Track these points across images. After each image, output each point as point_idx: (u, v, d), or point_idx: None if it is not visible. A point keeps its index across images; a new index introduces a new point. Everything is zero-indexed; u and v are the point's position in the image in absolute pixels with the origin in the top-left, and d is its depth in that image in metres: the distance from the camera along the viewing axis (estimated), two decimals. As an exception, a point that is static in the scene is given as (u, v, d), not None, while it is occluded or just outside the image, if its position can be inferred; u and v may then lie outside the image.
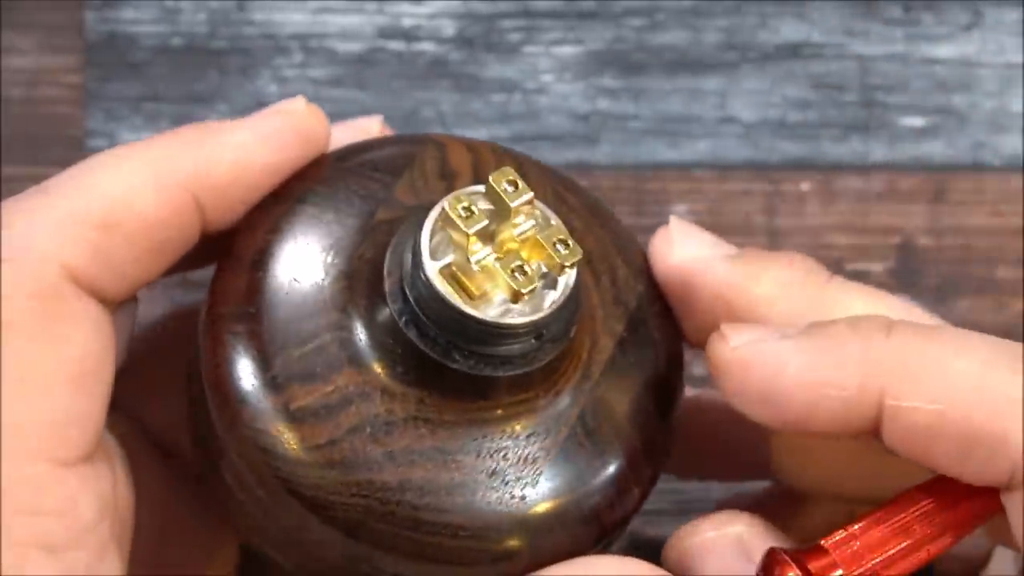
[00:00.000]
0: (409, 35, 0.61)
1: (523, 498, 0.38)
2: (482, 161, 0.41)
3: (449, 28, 0.61)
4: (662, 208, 0.61)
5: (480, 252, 0.37)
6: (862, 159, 0.61)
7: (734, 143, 0.61)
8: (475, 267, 0.37)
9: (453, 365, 0.37)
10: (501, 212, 0.37)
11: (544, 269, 0.38)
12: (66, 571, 0.35)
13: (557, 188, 0.42)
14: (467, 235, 0.37)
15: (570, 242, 0.38)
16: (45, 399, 0.36)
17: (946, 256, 0.61)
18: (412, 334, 0.37)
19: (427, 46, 0.61)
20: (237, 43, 0.61)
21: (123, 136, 0.61)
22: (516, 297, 0.37)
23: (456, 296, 0.37)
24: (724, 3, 0.61)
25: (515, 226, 0.38)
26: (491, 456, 0.38)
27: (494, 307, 0.37)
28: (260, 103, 0.61)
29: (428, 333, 0.37)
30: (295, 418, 0.37)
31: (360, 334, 0.38)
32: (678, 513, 0.60)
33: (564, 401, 0.39)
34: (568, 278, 0.38)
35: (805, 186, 0.61)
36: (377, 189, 0.40)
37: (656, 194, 0.61)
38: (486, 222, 0.37)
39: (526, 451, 0.38)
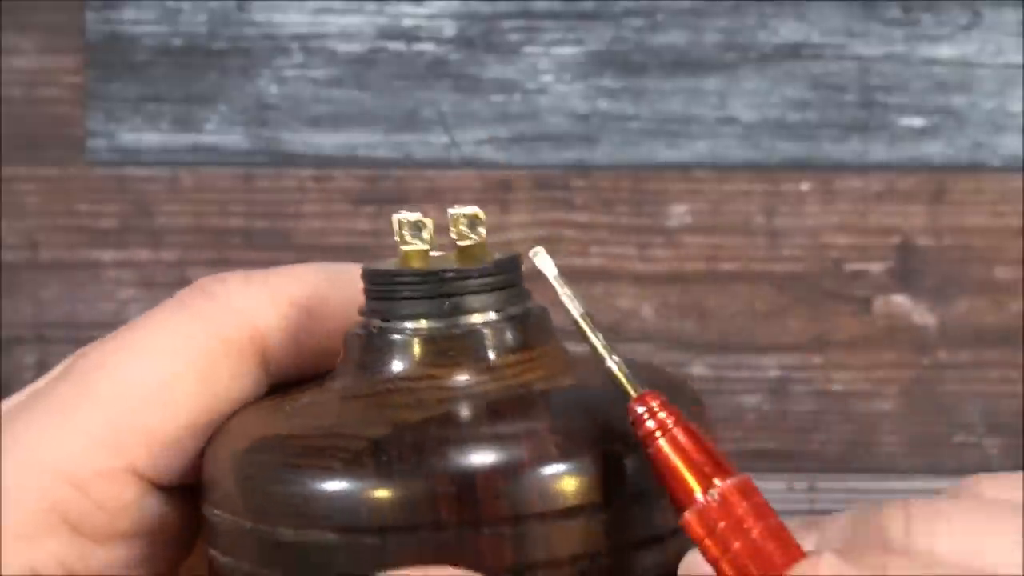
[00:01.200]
0: (409, 35, 0.61)
1: None
2: None
3: (449, 28, 0.61)
4: (662, 208, 0.61)
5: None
6: (862, 159, 0.61)
7: (734, 143, 0.61)
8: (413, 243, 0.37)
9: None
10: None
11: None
12: None
13: None
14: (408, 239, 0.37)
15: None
16: (164, 419, 0.37)
17: (946, 256, 0.61)
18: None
19: (427, 46, 0.61)
20: (237, 43, 0.61)
21: (123, 136, 0.61)
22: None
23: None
24: (724, 3, 0.61)
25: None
26: None
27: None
28: (260, 103, 0.61)
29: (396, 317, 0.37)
30: None
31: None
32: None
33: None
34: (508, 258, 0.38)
35: (805, 186, 0.61)
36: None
37: (656, 194, 0.61)
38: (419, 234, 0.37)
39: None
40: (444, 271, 0.36)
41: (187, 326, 0.38)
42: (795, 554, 0.32)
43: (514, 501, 0.33)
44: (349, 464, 0.34)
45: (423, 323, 0.36)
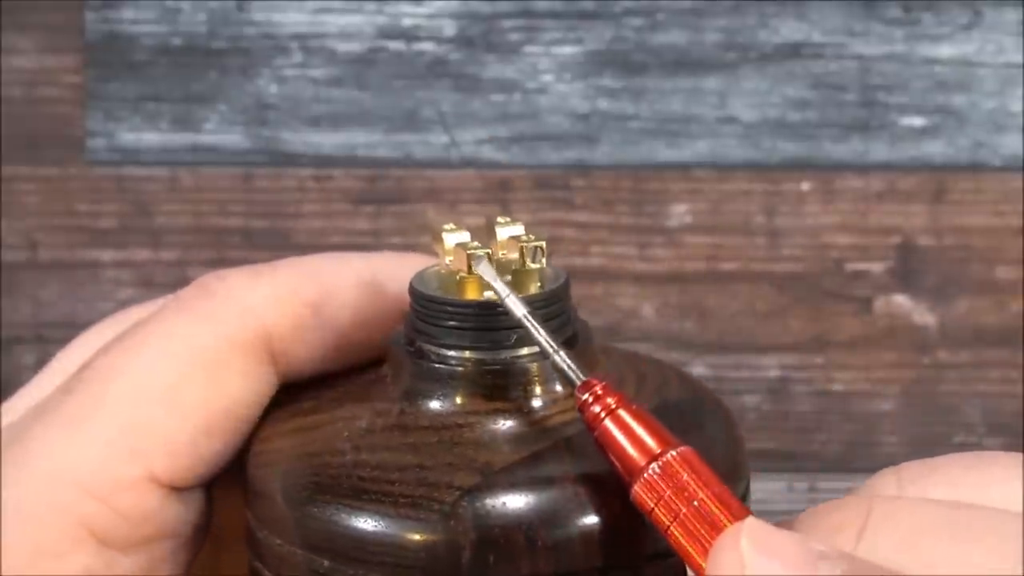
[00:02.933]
0: (409, 35, 0.61)
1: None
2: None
3: (449, 28, 0.61)
4: (662, 208, 0.61)
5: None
6: (862, 159, 0.61)
7: (734, 143, 0.61)
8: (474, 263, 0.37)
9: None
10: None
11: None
12: None
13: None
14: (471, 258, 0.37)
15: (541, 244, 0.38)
16: (176, 422, 0.37)
17: (946, 256, 0.61)
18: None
19: (427, 46, 0.61)
20: (237, 43, 0.61)
21: (123, 136, 0.61)
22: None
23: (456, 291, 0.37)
24: (724, 3, 0.61)
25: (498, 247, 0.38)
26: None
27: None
28: (260, 103, 0.61)
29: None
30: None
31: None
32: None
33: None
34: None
35: (805, 186, 0.61)
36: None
37: (656, 194, 0.61)
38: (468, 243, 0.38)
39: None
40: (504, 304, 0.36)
41: (192, 327, 0.38)
42: (741, 515, 0.32)
43: (601, 551, 0.34)
44: (445, 517, 0.34)
45: (482, 355, 0.36)
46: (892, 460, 0.61)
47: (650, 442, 0.33)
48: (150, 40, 0.61)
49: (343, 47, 0.61)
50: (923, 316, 0.62)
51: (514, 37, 0.61)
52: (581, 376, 0.34)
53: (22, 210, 0.61)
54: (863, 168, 0.61)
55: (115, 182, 0.61)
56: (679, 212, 0.61)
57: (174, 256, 0.62)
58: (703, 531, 0.32)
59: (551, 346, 0.34)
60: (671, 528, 0.32)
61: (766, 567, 0.31)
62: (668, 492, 0.32)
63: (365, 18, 0.61)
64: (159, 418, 0.37)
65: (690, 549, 0.32)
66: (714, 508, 0.32)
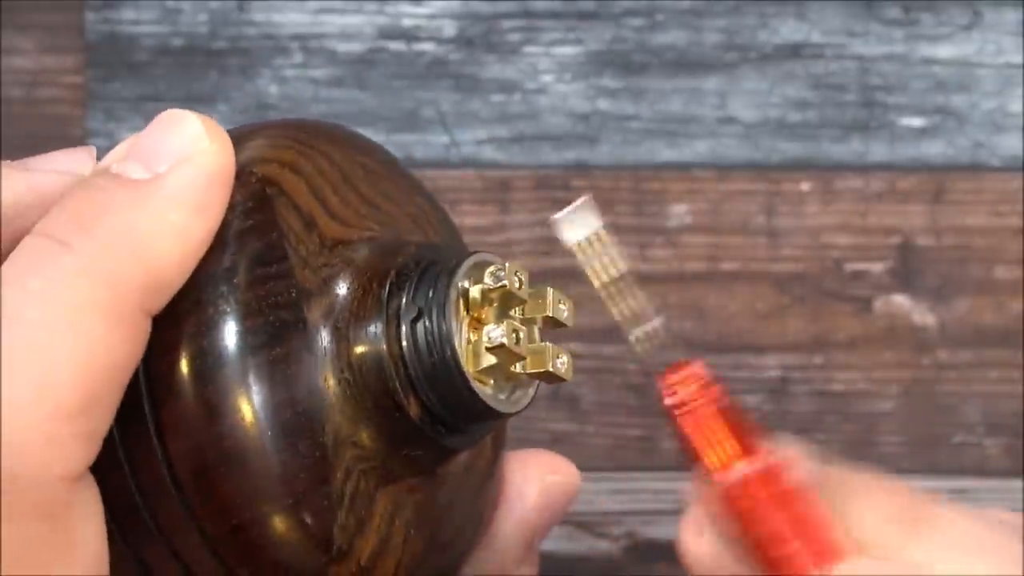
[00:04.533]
0: (409, 35, 0.61)
1: None
2: (309, 179, 0.40)
3: (449, 28, 0.61)
4: (662, 208, 0.61)
5: (497, 331, 0.38)
6: (862, 159, 0.61)
7: (734, 143, 0.61)
8: (517, 356, 0.38)
9: (453, 445, 0.39)
10: (508, 299, 0.38)
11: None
12: None
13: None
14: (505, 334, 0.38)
15: (565, 301, 0.39)
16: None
17: (946, 256, 0.61)
18: (437, 434, 0.38)
19: (427, 46, 0.61)
20: (237, 43, 0.61)
21: (123, 136, 0.61)
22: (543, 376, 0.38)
23: (486, 391, 0.38)
24: (724, 3, 0.61)
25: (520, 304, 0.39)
26: None
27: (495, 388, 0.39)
28: (260, 103, 0.61)
29: (449, 427, 0.38)
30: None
31: (379, 458, 0.38)
32: (678, 513, 0.60)
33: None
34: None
35: (805, 186, 0.61)
36: (282, 291, 0.37)
37: (656, 194, 0.61)
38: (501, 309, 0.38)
39: None
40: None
41: None
42: (827, 547, 0.32)
43: None
44: None
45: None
46: (892, 460, 0.61)
47: (734, 445, 0.32)
48: (151, 40, 0.61)
49: (343, 47, 0.61)
50: (923, 316, 0.62)
51: (514, 37, 0.61)
52: (663, 362, 0.34)
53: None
54: (863, 168, 0.61)
55: (115, 182, 0.61)
56: (679, 212, 0.61)
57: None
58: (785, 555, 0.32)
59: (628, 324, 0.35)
60: (749, 540, 0.32)
61: None
62: (748, 506, 0.32)
63: (365, 18, 0.61)
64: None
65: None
66: (801, 533, 0.32)
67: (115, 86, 0.61)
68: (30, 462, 0.33)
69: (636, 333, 0.34)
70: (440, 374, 0.37)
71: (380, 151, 0.42)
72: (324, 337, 0.37)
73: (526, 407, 0.39)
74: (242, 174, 0.37)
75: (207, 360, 0.35)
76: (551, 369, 0.38)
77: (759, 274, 0.62)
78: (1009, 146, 0.61)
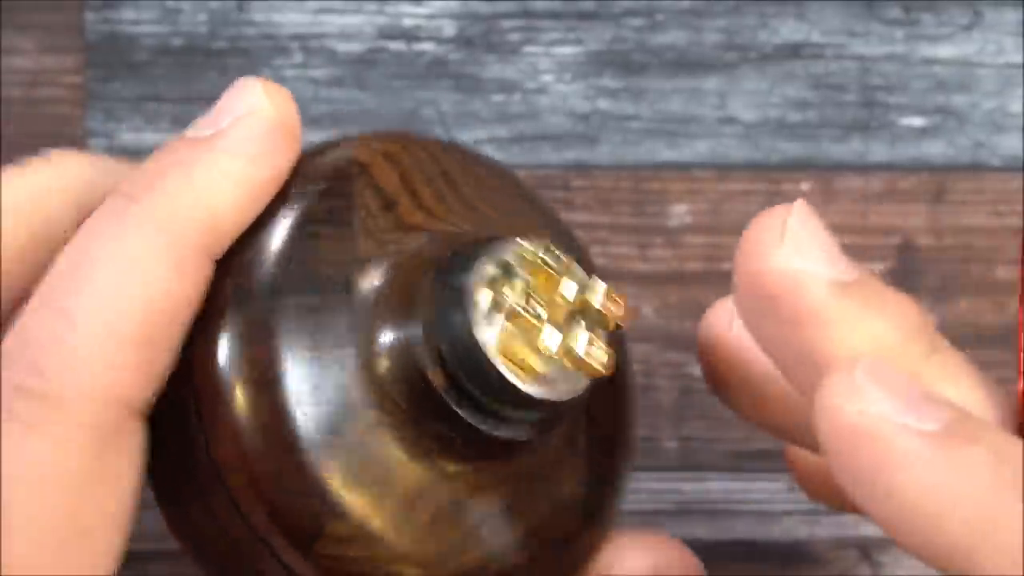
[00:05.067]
0: (409, 35, 0.61)
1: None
2: (404, 170, 0.40)
3: (449, 28, 0.61)
4: (662, 208, 0.61)
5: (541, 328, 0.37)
6: (862, 159, 0.61)
7: (734, 143, 0.61)
8: (543, 348, 0.37)
9: (497, 434, 0.38)
10: (544, 281, 0.38)
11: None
12: None
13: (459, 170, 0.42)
14: (534, 320, 0.37)
15: (616, 297, 0.38)
16: (89, 545, 0.36)
17: (946, 256, 0.61)
18: (467, 414, 0.37)
19: (427, 46, 0.61)
20: (237, 43, 0.61)
21: (123, 136, 0.61)
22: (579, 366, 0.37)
23: (518, 375, 0.37)
24: (724, 3, 0.61)
25: (558, 290, 0.38)
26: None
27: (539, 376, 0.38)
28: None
29: (481, 408, 0.38)
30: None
31: (407, 430, 0.38)
32: (678, 513, 0.60)
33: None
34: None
35: (805, 186, 0.61)
36: (333, 251, 0.39)
37: (656, 194, 0.61)
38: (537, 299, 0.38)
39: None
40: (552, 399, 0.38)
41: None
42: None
43: None
44: None
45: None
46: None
47: None
48: (150, 40, 0.61)
49: (343, 47, 0.61)
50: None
51: (514, 37, 0.61)
52: None
53: (22, 210, 0.61)
54: (863, 168, 0.61)
55: (115, 182, 0.61)
56: (679, 212, 0.61)
57: (174, 256, 0.62)
58: None
59: None
60: None
61: (874, 396, 0.33)
62: None
63: (365, 18, 0.61)
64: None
65: None
66: None
67: (115, 86, 0.61)
68: (92, 382, 0.36)
69: None
70: (461, 345, 0.37)
71: (507, 174, 0.43)
72: (362, 303, 0.37)
73: (571, 400, 0.38)
74: (340, 158, 0.39)
75: (240, 293, 0.37)
76: (576, 351, 0.37)
77: (759, 274, 0.62)
78: (1010, 146, 0.61)
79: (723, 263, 0.62)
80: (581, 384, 0.38)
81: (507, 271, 0.37)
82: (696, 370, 0.61)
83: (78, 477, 0.35)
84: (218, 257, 0.38)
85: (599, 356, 0.37)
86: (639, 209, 0.61)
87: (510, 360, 0.36)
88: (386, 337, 0.37)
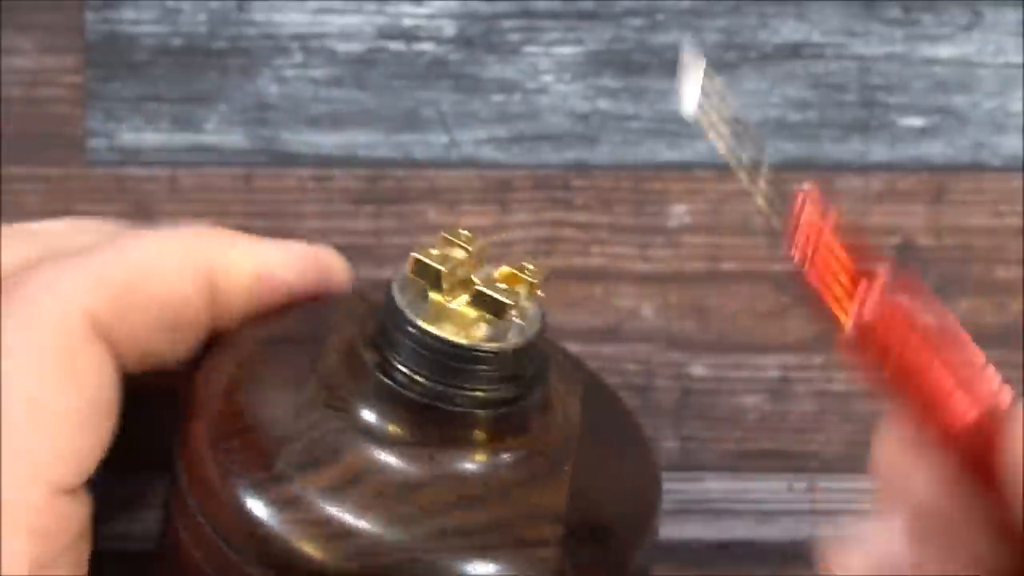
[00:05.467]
0: (409, 35, 0.61)
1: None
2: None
3: (449, 28, 0.61)
4: (662, 208, 0.61)
5: (457, 296, 0.39)
6: (862, 159, 0.61)
7: (734, 143, 0.61)
8: (454, 304, 0.38)
9: (451, 408, 0.38)
10: (462, 263, 0.39)
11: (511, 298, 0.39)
12: None
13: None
14: (441, 273, 0.38)
15: (532, 264, 0.40)
16: (52, 432, 0.39)
17: (946, 256, 0.61)
18: (405, 389, 0.38)
19: (427, 46, 0.61)
20: (237, 43, 0.61)
21: (123, 136, 0.61)
22: (501, 312, 0.38)
23: (446, 330, 0.38)
24: (724, 3, 0.61)
25: (477, 268, 0.40)
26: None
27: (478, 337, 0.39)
28: (260, 103, 0.61)
29: (419, 382, 0.38)
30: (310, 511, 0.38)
31: (356, 417, 0.39)
32: (678, 513, 0.60)
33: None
34: (531, 316, 0.40)
35: (805, 186, 0.61)
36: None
37: (656, 194, 0.61)
38: (452, 265, 0.39)
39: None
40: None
41: (22, 334, 0.40)
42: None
43: None
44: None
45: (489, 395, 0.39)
46: (892, 460, 0.60)
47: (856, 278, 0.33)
48: (150, 40, 0.61)
49: (343, 47, 0.61)
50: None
51: (514, 37, 0.61)
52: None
53: (22, 210, 0.61)
54: (863, 168, 0.61)
55: (115, 182, 0.61)
56: (679, 212, 0.61)
57: (174, 256, 0.62)
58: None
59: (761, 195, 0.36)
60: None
61: None
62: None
63: (365, 18, 0.61)
64: (40, 433, 0.38)
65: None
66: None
67: (115, 86, 0.61)
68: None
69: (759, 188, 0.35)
70: (387, 315, 0.39)
71: None
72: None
73: (500, 349, 0.39)
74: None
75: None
76: (484, 290, 0.38)
77: (759, 274, 0.62)
78: (1010, 146, 0.61)
79: (723, 263, 0.62)
80: (507, 337, 0.39)
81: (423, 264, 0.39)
82: (696, 369, 0.62)
83: (38, 364, 0.39)
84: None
85: (507, 293, 0.39)
86: (639, 209, 0.61)
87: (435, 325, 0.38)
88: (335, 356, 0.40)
